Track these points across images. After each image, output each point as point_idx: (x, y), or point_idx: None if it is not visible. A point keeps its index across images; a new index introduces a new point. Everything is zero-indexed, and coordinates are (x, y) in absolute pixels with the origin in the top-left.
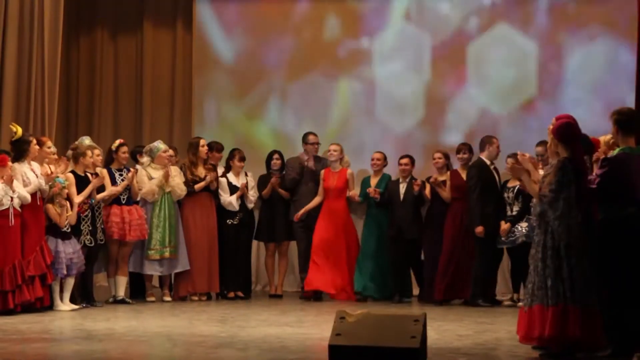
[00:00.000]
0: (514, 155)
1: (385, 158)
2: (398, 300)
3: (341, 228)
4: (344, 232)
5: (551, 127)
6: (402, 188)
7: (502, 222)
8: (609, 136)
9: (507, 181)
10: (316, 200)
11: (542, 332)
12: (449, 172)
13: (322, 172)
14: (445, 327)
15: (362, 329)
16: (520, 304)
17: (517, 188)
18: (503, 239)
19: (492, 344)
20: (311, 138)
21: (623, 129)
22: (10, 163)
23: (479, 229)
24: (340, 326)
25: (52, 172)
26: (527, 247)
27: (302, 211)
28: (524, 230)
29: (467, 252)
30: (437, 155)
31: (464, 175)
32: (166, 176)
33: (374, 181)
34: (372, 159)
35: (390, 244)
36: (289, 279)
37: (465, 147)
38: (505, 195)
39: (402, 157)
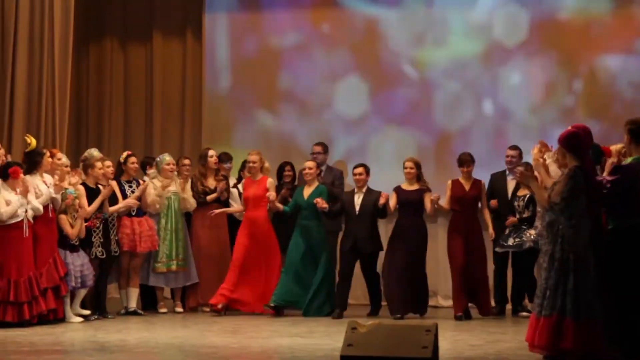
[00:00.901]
0: (525, 164)
1: (318, 166)
2: (337, 315)
3: (261, 238)
4: (263, 243)
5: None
6: (358, 199)
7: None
8: (620, 145)
9: (517, 189)
10: (238, 208)
11: (537, 340)
12: (449, 182)
13: (243, 181)
14: (457, 337)
15: (373, 340)
16: (523, 313)
17: (527, 197)
18: (510, 242)
19: (504, 354)
20: (314, 148)
21: (636, 138)
22: (22, 175)
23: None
24: (351, 337)
25: (59, 184)
26: (532, 254)
27: (219, 211)
28: (532, 237)
29: (477, 264)
30: (409, 164)
31: (467, 187)
32: (164, 187)
33: (307, 191)
34: (304, 169)
35: (343, 257)
36: None
37: (468, 159)
38: (516, 204)
39: (356, 167)
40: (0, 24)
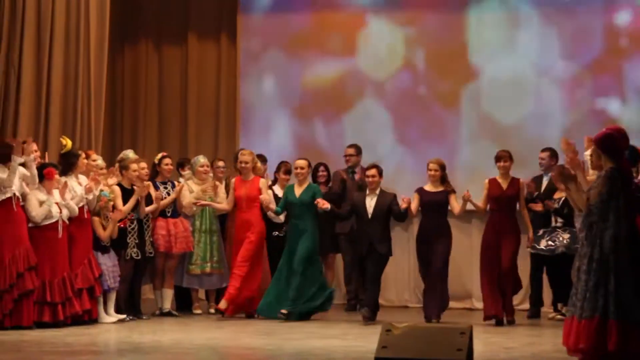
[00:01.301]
0: (559, 166)
1: (309, 166)
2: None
3: (252, 239)
4: (254, 244)
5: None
6: (371, 201)
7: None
8: None
9: (553, 192)
10: (223, 206)
11: (577, 344)
12: (486, 181)
13: (233, 180)
14: (492, 340)
15: (408, 342)
16: (553, 314)
17: (562, 200)
18: (542, 245)
19: (538, 357)
20: (347, 151)
21: None
22: (57, 176)
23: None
24: (386, 338)
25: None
26: (566, 259)
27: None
28: (565, 242)
29: (513, 267)
30: (433, 166)
31: (504, 185)
32: (203, 190)
33: (298, 190)
34: (296, 168)
35: (361, 261)
36: (335, 292)
37: (506, 155)
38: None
39: (368, 168)
40: (37, 26)
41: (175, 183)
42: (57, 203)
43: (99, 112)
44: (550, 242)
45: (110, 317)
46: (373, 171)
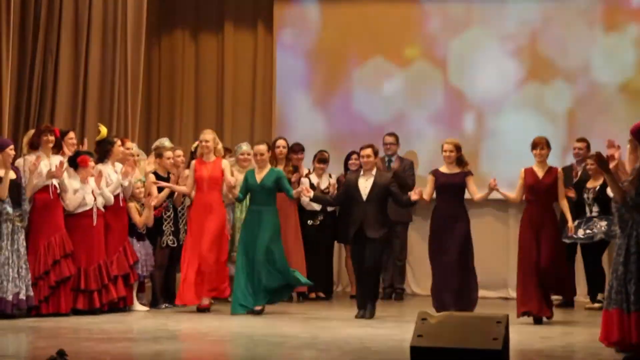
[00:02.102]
0: (593, 156)
1: (269, 150)
2: (362, 315)
3: (213, 223)
4: (215, 228)
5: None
6: (366, 182)
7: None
8: None
9: (586, 181)
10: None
11: (624, 337)
12: (522, 170)
13: (193, 162)
14: (528, 329)
15: (444, 330)
16: (591, 305)
17: (597, 189)
18: (580, 234)
19: (575, 346)
20: (387, 139)
21: None
22: (92, 164)
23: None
24: (421, 327)
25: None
26: (603, 246)
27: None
28: (602, 228)
29: (554, 259)
30: (447, 147)
31: (540, 174)
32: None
33: (260, 175)
34: (256, 154)
35: (353, 251)
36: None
37: (543, 142)
38: (585, 196)
39: (363, 148)
40: (75, 15)
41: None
42: (92, 191)
43: (136, 101)
44: (587, 230)
45: (143, 305)
46: (368, 151)
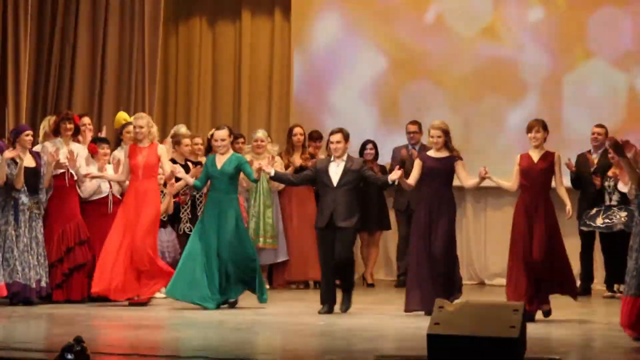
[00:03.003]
0: (612, 139)
1: (230, 135)
2: (326, 310)
3: (149, 210)
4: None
5: None
6: (337, 168)
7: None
8: None
9: (606, 169)
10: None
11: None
12: (517, 157)
13: (127, 147)
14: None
15: (460, 318)
16: (608, 294)
17: (618, 186)
18: (598, 223)
19: (592, 334)
20: (410, 127)
21: None
22: (102, 151)
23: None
24: (438, 315)
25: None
26: (622, 237)
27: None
28: (622, 219)
29: (550, 250)
30: (434, 132)
31: (535, 158)
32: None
33: (220, 160)
34: (216, 140)
35: (321, 240)
36: (386, 268)
37: (538, 125)
38: (606, 184)
39: (332, 133)
40: (92, 2)
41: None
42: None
43: (153, 89)
44: (607, 220)
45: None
46: (337, 136)
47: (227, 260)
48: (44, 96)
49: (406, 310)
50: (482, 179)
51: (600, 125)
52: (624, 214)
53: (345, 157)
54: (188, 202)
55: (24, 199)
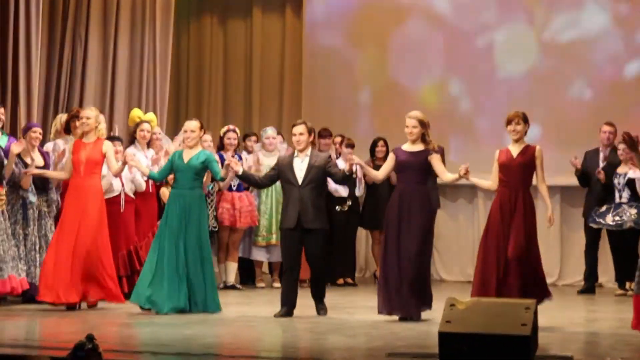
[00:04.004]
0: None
1: (201, 129)
2: (284, 313)
3: (91, 211)
4: (93, 217)
5: None
6: (301, 164)
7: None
8: None
9: (615, 166)
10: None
11: None
12: (499, 151)
13: (71, 143)
14: (556, 315)
15: (472, 316)
16: (620, 292)
17: (627, 175)
18: (608, 220)
19: (604, 333)
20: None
21: None
22: (118, 148)
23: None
24: (450, 313)
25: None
26: (632, 234)
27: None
28: (632, 217)
29: (524, 251)
30: (410, 122)
31: (514, 153)
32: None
33: (188, 154)
34: (185, 131)
35: (286, 241)
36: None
37: (518, 117)
38: (616, 181)
39: (295, 125)
40: (103, 1)
41: (242, 156)
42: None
43: (164, 86)
44: (617, 217)
45: None
46: (300, 127)
47: (190, 265)
48: (56, 94)
49: (379, 312)
50: (460, 177)
51: (609, 124)
52: (634, 211)
53: (309, 152)
54: (211, 200)
55: (32, 198)
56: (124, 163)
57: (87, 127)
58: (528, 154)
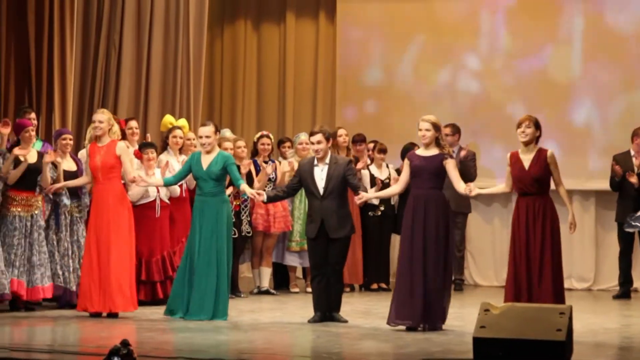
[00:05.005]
0: None
1: (216, 132)
2: (316, 319)
3: (112, 217)
4: (114, 223)
5: None
6: (322, 173)
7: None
8: None
9: None
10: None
11: None
12: (509, 155)
13: (88, 147)
14: (592, 320)
15: (506, 321)
16: None
17: None
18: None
19: (638, 338)
20: (443, 130)
21: None
22: (146, 156)
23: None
24: (484, 318)
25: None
26: None
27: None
28: None
29: (546, 259)
30: (424, 125)
31: (526, 163)
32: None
33: (206, 160)
34: (201, 136)
35: (313, 250)
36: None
37: (529, 120)
38: None
39: (312, 134)
40: (137, 6)
41: (276, 162)
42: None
43: (198, 92)
44: None
45: None
46: (318, 137)
47: (202, 275)
48: (90, 101)
49: (387, 323)
50: (467, 191)
51: None
52: None
53: (328, 159)
54: (242, 206)
55: (65, 200)
56: (134, 180)
57: (100, 130)
58: (540, 161)
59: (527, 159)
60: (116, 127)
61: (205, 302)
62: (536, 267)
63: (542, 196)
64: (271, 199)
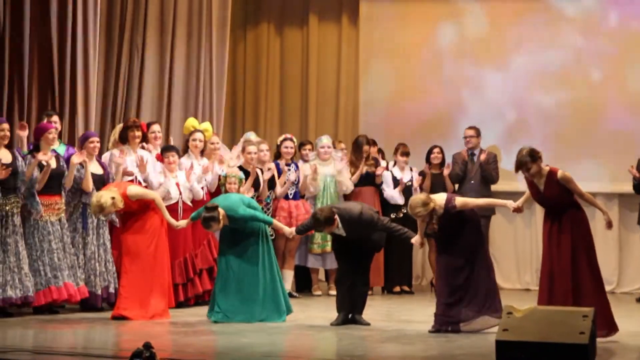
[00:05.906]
0: None
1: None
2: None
3: (148, 227)
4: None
5: None
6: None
7: None
8: None
9: None
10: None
11: None
12: (524, 177)
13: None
14: None
15: (529, 324)
16: None
17: None
18: None
19: None
20: (467, 132)
21: None
22: (167, 160)
23: None
24: (507, 321)
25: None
26: None
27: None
28: None
29: (579, 269)
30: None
31: (541, 185)
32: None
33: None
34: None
35: (338, 254)
36: None
37: (523, 167)
38: None
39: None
40: (160, 10)
41: (298, 164)
42: (177, 184)
43: (221, 95)
44: None
45: None
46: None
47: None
48: (113, 105)
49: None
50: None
51: None
52: None
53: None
54: (268, 208)
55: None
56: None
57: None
58: (553, 183)
59: (540, 183)
60: (118, 199)
61: (278, 304)
62: (568, 280)
63: (567, 210)
64: (300, 233)
